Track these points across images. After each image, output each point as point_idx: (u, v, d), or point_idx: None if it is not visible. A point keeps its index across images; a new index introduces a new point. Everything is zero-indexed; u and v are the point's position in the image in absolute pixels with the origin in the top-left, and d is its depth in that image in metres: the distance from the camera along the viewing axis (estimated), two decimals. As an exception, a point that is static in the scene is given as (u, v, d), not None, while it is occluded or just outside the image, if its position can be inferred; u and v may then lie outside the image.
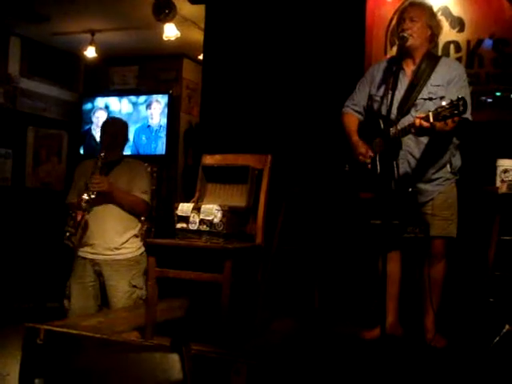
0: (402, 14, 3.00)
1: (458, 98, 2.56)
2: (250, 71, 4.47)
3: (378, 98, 3.04)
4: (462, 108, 2.54)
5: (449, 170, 2.97)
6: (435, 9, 4.02)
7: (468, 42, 3.92)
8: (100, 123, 6.75)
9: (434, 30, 3.00)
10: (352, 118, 3.19)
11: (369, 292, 3.51)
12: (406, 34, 2.89)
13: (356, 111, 3.19)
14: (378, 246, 2.77)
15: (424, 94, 2.89)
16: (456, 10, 3.95)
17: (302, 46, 4.32)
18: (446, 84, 2.89)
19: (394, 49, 4.07)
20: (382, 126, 2.90)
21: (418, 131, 2.73)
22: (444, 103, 2.62)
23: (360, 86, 3.19)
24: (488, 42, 3.87)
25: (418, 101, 2.90)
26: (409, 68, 2.98)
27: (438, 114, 2.60)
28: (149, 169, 3.88)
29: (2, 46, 6.13)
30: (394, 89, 2.78)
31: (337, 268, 3.95)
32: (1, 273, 5.42)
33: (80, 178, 3.66)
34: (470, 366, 2.67)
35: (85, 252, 3.62)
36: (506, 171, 3.28)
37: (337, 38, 4.20)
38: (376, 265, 3.06)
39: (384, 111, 2.94)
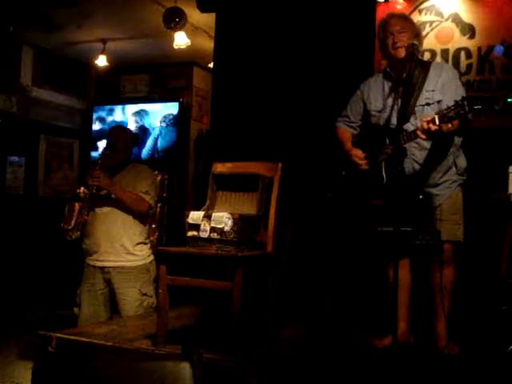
0: (386, 28, 3.02)
1: (463, 97, 2.59)
2: (260, 79, 4.48)
3: (375, 113, 3.09)
4: (467, 108, 2.55)
5: (455, 171, 2.99)
6: (446, 15, 4.06)
7: (479, 48, 3.90)
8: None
9: (420, 37, 3.08)
10: (345, 132, 3.27)
11: (379, 299, 3.49)
12: (399, 45, 2.94)
13: (349, 126, 3.26)
14: (388, 253, 2.76)
15: (421, 100, 2.92)
16: (466, 17, 3.94)
17: (312, 54, 4.32)
18: (441, 88, 2.93)
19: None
20: (385, 135, 2.94)
21: (427, 135, 2.73)
22: (448, 105, 2.65)
23: (351, 102, 3.27)
24: (499, 49, 3.86)
25: (416, 108, 2.94)
26: (401, 78, 3.00)
27: (444, 116, 2.62)
28: (159, 177, 3.90)
29: (15, 55, 6.19)
30: (387, 99, 2.83)
31: (347, 275, 3.93)
32: (12, 280, 5.45)
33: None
34: (484, 374, 2.65)
35: (93, 260, 3.63)
36: (518, 178, 3.25)
37: (347, 46, 4.20)
38: (385, 272, 3.05)
39: (383, 123, 3.00)
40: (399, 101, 2.94)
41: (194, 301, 3.61)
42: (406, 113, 2.91)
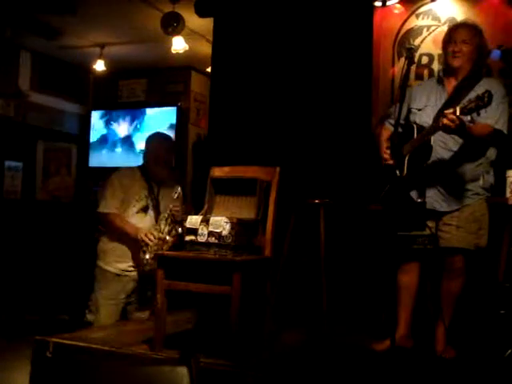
0: (451, 35, 3.04)
1: (485, 91, 2.59)
2: (257, 83, 4.48)
3: (415, 110, 3.10)
4: (486, 100, 2.56)
5: (480, 184, 2.98)
6: (443, 20, 4.07)
7: (476, 52, 3.91)
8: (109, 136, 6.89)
9: (484, 51, 3.06)
10: (387, 129, 3.25)
11: (379, 302, 3.49)
12: (457, 55, 2.97)
13: (391, 124, 3.23)
14: (390, 256, 2.76)
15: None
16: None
17: (309, 59, 4.33)
18: None
19: (402, 60, 4.08)
20: (415, 132, 2.96)
21: (447, 125, 2.71)
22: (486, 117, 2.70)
23: (397, 103, 3.24)
24: (496, 53, 3.87)
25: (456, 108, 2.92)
26: (450, 84, 3.04)
27: (465, 107, 2.64)
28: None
29: (13, 60, 6.20)
30: (430, 99, 2.86)
31: (346, 279, 3.93)
32: (11, 285, 5.44)
33: (124, 185, 3.54)
34: (481, 378, 2.65)
35: (119, 269, 3.53)
36: (516, 182, 3.26)
37: (345, 50, 4.21)
38: (387, 276, 3.05)
39: (419, 121, 3.02)
40: (440, 104, 2.98)
41: (193, 305, 3.60)
42: None
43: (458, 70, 3.02)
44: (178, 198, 3.44)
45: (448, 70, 3.08)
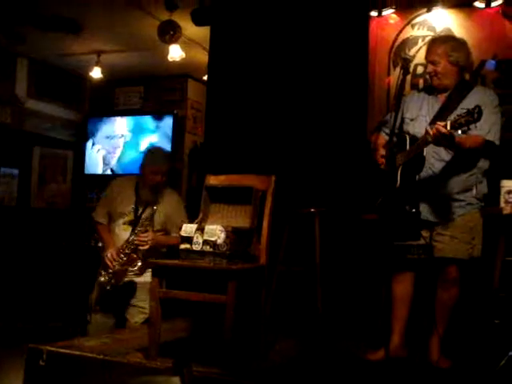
0: (427, 54, 3.05)
1: (475, 106, 2.58)
2: (254, 92, 4.49)
3: (408, 120, 3.11)
4: (476, 115, 2.55)
5: (474, 194, 2.97)
6: (438, 30, 4.09)
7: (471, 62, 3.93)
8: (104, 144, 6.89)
9: (462, 63, 3.03)
10: (381, 138, 3.27)
11: (374, 311, 3.49)
12: (432, 75, 3.00)
13: (386, 133, 3.25)
14: (384, 266, 2.76)
15: (453, 116, 2.90)
16: (459, 31, 3.98)
17: (306, 67, 4.34)
18: None
19: (397, 69, 4.11)
20: (408, 143, 2.96)
21: (436, 138, 2.72)
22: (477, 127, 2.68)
23: (393, 112, 3.25)
24: (491, 63, 3.89)
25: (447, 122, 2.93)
26: (442, 95, 3.05)
27: (455, 122, 2.63)
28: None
29: (10, 66, 6.21)
30: (422, 109, 2.90)
31: (341, 287, 3.93)
32: (4, 292, 5.41)
33: (113, 197, 3.60)
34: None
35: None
36: (510, 192, 3.27)
37: (341, 59, 4.22)
38: (380, 285, 3.05)
39: (412, 131, 3.03)
40: (432, 114, 2.99)
41: (187, 314, 3.60)
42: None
43: (440, 87, 3.04)
44: (146, 228, 3.49)
45: (433, 88, 3.09)
